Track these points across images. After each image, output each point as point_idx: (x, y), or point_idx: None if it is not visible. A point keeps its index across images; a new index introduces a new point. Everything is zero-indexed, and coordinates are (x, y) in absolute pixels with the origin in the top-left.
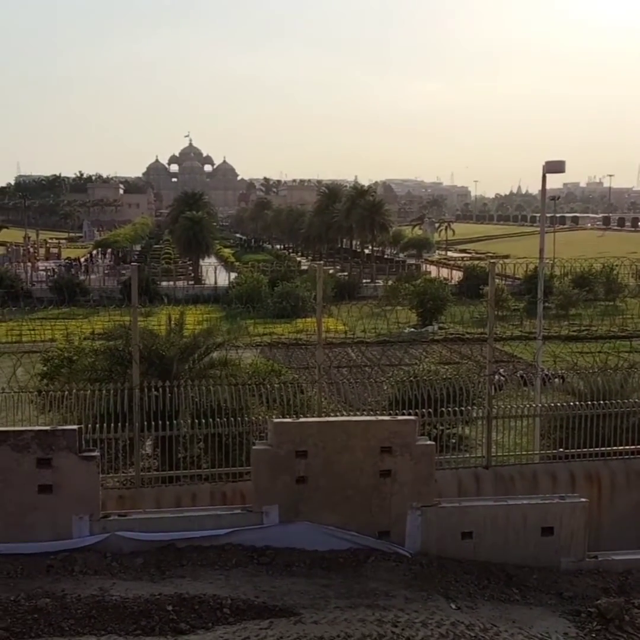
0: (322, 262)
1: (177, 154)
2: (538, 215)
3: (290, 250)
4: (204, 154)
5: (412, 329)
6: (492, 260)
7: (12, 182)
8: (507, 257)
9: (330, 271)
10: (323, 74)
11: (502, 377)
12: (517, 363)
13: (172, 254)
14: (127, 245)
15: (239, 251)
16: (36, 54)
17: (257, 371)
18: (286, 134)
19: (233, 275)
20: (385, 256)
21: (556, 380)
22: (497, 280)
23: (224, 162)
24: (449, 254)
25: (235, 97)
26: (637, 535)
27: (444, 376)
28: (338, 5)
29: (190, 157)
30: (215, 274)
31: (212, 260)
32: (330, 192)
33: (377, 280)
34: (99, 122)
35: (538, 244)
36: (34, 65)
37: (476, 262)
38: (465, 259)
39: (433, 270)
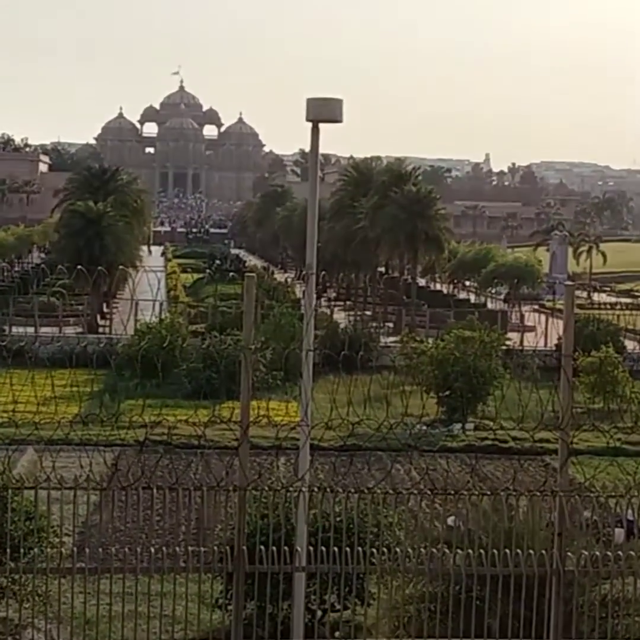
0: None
1: (156, 105)
2: None
3: (299, 277)
4: (204, 107)
5: (426, 428)
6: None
7: None
8: None
9: (340, 317)
10: None
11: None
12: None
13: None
14: None
15: (206, 278)
16: None
17: None
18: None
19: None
20: (451, 293)
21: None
22: (631, 344)
23: (240, 121)
24: (599, 295)
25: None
26: None
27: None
28: None
29: (179, 109)
30: (132, 316)
31: (153, 289)
32: (359, 175)
33: (420, 335)
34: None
35: None
36: None
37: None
38: (617, 306)
39: (534, 321)
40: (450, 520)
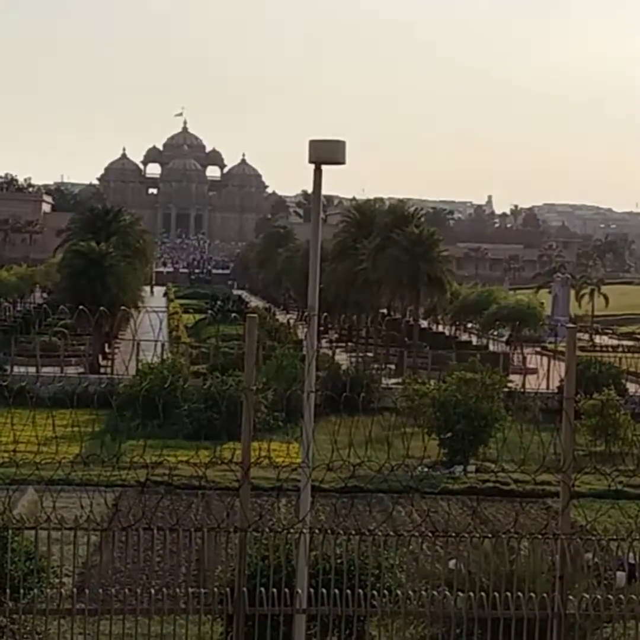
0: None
1: (159, 145)
2: None
3: (301, 318)
4: (207, 148)
5: (427, 470)
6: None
7: None
8: None
9: (341, 359)
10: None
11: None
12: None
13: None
14: None
15: (208, 319)
16: None
17: None
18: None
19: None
20: (453, 335)
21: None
22: (633, 387)
23: (243, 162)
24: (601, 337)
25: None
26: None
27: None
28: None
29: (182, 150)
30: (134, 356)
31: (155, 329)
32: (361, 217)
33: (422, 377)
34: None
35: None
36: None
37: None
38: (619, 348)
39: (536, 363)
40: (451, 564)
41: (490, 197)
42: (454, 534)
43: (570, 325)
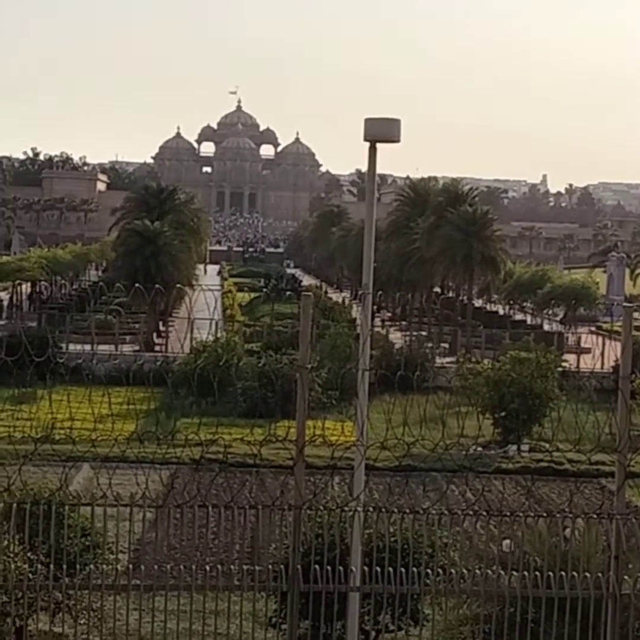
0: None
1: (213, 125)
2: None
3: (355, 297)
4: (261, 127)
5: (482, 449)
6: None
7: None
8: None
9: (395, 337)
10: None
11: None
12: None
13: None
14: (44, 277)
15: (263, 297)
16: None
17: None
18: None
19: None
20: (507, 314)
21: None
22: None
23: (297, 141)
24: None
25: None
26: None
27: None
28: None
29: (236, 129)
30: (188, 334)
31: (209, 307)
32: (416, 195)
33: (476, 356)
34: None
35: None
36: None
37: None
38: None
39: (591, 343)
40: (505, 546)
41: (545, 175)
42: (508, 514)
43: (627, 304)
